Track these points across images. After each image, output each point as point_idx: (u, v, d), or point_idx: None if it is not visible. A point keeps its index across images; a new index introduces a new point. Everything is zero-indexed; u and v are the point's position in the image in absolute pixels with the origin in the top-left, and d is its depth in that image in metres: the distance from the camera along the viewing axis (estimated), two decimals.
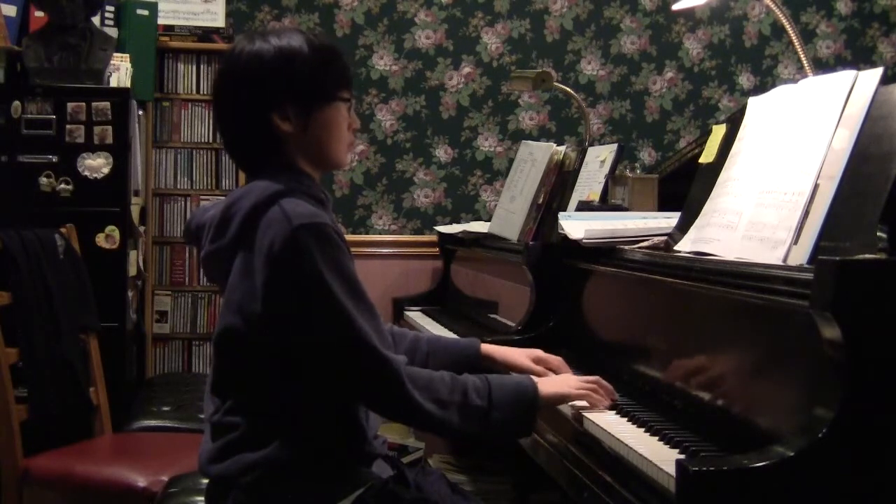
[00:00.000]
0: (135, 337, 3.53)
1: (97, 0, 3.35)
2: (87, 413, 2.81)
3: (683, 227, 1.92)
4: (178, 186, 3.83)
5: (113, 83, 3.34)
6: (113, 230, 3.21)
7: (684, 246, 1.85)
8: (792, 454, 1.20)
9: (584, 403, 1.72)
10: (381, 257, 4.05)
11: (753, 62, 4.36)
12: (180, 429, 2.85)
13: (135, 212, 3.42)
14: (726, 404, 1.56)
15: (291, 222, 1.50)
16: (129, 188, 3.31)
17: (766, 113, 1.79)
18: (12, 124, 3.16)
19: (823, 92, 1.61)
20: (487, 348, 1.90)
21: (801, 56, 2.57)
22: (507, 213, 3.01)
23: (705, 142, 2.02)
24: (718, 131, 1.97)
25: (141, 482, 2.35)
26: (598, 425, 1.61)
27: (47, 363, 2.68)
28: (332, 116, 1.64)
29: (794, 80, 1.75)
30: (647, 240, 2.00)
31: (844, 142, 1.49)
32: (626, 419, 1.64)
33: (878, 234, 1.40)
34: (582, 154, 2.86)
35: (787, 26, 2.59)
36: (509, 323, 2.68)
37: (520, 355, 1.89)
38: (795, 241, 1.49)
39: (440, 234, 3.76)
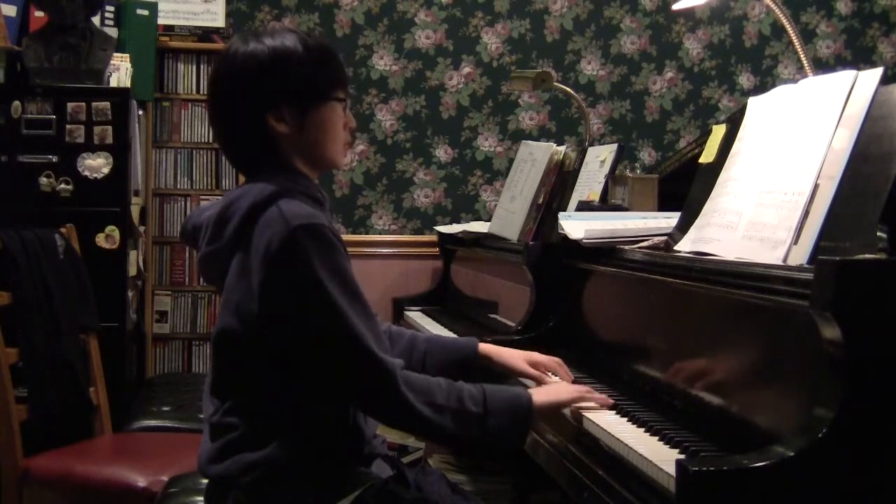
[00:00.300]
0: (135, 337, 3.53)
1: (97, 0, 3.35)
2: (87, 413, 2.81)
3: (683, 227, 1.92)
4: (178, 186, 3.83)
5: (113, 83, 3.34)
6: (113, 230, 3.21)
7: (684, 246, 1.85)
8: (792, 454, 1.20)
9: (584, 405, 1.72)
10: (381, 257, 4.05)
11: (753, 62, 4.36)
12: (180, 429, 2.85)
13: (135, 212, 3.42)
14: (726, 404, 1.56)
15: (289, 223, 1.50)
16: (129, 188, 3.31)
17: (766, 113, 1.79)
18: (12, 124, 3.16)
19: (823, 92, 1.61)
20: (485, 348, 1.90)
21: (801, 56, 2.57)
22: (507, 213, 3.01)
23: (705, 142, 2.02)
24: (718, 131, 1.97)
25: (141, 482, 2.35)
26: (598, 425, 1.61)
27: (47, 363, 2.68)
28: (328, 116, 1.64)
29: (794, 80, 1.75)
30: (647, 240, 2.00)
31: (844, 142, 1.49)
32: (626, 419, 1.64)
33: (878, 234, 1.40)
34: (582, 154, 2.86)
35: (787, 26, 2.59)
36: (509, 323, 2.68)
37: (516, 358, 1.88)
38: (795, 241, 1.49)
39: (440, 234, 3.76)
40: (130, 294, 3.36)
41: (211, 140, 3.84)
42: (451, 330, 3.01)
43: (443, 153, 4.15)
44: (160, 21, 3.72)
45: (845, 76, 1.57)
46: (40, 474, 2.48)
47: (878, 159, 1.42)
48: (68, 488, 2.47)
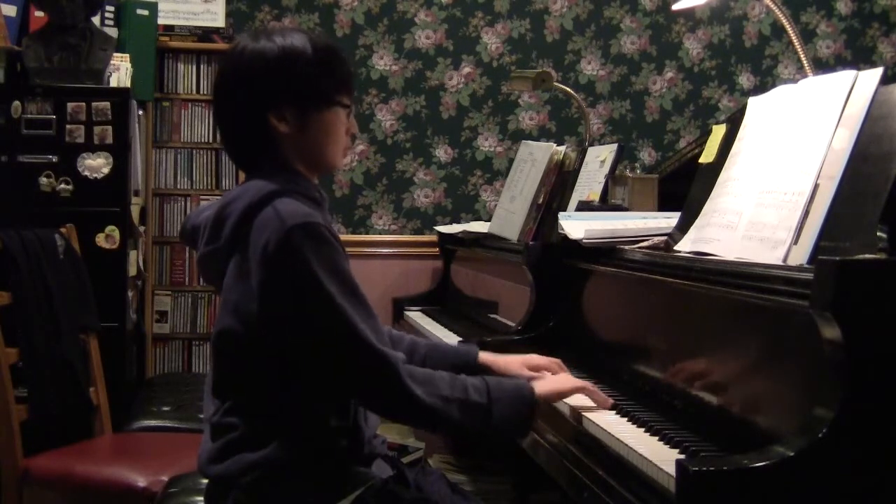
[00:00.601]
0: (135, 337, 3.53)
1: (97, 0, 3.35)
2: (87, 413, 2.81)
3: (683, 227, 1.92)
4: (178, 186, 3.83)
5: (113, 83, 3.34)
6: (113, 230, 3.20)
7: (684, 246, 1.85)
8: (792, 454, 1.20)
9: (582, 402, 1.72)
10: (381, 257, 4.05)
11: (753, 62, 4.36)
12: (180, 429, 2.85)
13: (135, 212, 3.42)
14: (726, 404, 1.56)
15: (285, 223, 1.50)
16: (129, 188, 3.31)
17: (766, 113, 1.79)
18: (12, 124, 3.16)
19: (823, 92, 1.61)
20: (484, 357, 1.89)
21: (801, 56, 2.57)
22: (507, 213, 3.01)
23: (705, 142, 2.02)
24: (718, 131, 1.97)
25: (141, 482, 2.35)
26: (598, 425, 1.61)
27: (47, 363, 2.68)
28: (330, 121, 1.64)
29: (794, 80, 1.75)
30: (647, 240, 2.00)
31: (844, 142, 1.49)
32: (626, 419, 1.64)
33: (878, 234, 1.40)
34: (582, 154, 2.86)
35: (787, 26, 2.59)
36: (509, 323, 2.68)
37: (515, 363, 1.88)
38: (795, 241, 1.49)
39: (440, 234, 3.76)
40: (130, 294, 3.36)
41: (211, 140, 3.84)
42: (451, 330, 3.01)
43: (443, 153, 4.15)
44: (160, 21, 3.72)
45: (845, 76, 1.57)
46: (40, 474, 2.48)
47: (878, 159, 1.42)
48: (68, 488, 2.47)
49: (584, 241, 2.12)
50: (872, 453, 1.23)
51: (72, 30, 3.23)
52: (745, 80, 4.35)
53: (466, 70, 4.15)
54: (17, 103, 3.16)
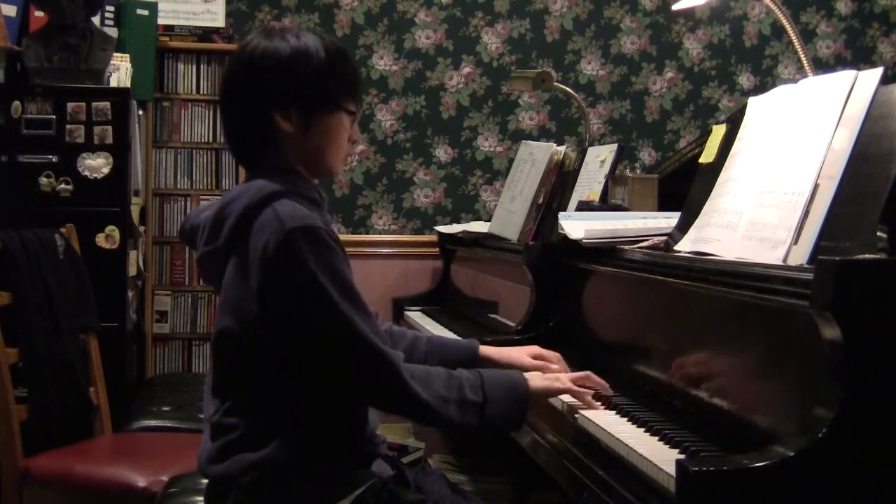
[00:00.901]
0: (135, 337, 3.53)
1: (97, 0, 3.35)
2: (87, 413, 2.80)
3: (683, 227, 1.92)
4: (178, 186, 3.83)
5: (113, 83, 3.34)
6: (113, 230, 3.20)
7: (684, 246, 1.85)
8: (792, 454, 1.20)
9: (576, 400, 1.73)
10: (381, 257, 4.05)
11: (753, 62, 4.36)
12: (180, 429, 2.84)
13: (135, 212, 3.42)
14: (726, 404, 1.56)
15: (284, 225, 1.50)
16: (129, 188, 3.31)
17: (766, 113, 1.79)
18: (12, 124, 3.16)
19: (823, 92, 1.61)
20: (486, 350, 1.91)
21: (801, 56, 2.57)
22: (507, 213, 3.01)
23: (705, 142, 2.02)
24: (718, 131, 1.97)
25: (141, 482, 2.35)
26: (598, 425, 1.61)
27: (47, 363, 2.68)
28: (334, 125, 1.64)
29: (794, 80, 1.75)
30: (647, 240, 2.00)
31: (844, 142, 1.49)
32: (626, 419, 1.64)
33: (878, 234, 1.40)
34: (582, 154, 2.86)
35: (787, 26, 2.59)
36: (509, 323, 2.68)
37: (518, 353, 1.90)
38: (795, 241, 1.49)
39: (440, 234, 3.76)
40: (130, 294, 3.36)
41: (211, 140, 3.84)
42: (451, 330, 3.01)
43: (443, 153, 4.15)
44: (160, 21, 3.72)
45: (845, 76, 1.57)
46: (40, 474, 2.48)
47: (878, 159, 1.42)
48: (68, 488, 2.47)
49: (584, 241, 2.12)
50: (872, 453, 1.23)
51: (72, 30, 3.23)
52: (745, 80, 4.35)
53: (466, 70, 4.15)
54: (17, 103, 3.16)
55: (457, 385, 1.58)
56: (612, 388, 1.85)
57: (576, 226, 2.20)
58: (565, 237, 2.22)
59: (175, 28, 3.81)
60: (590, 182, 2.71)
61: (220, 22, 3.84)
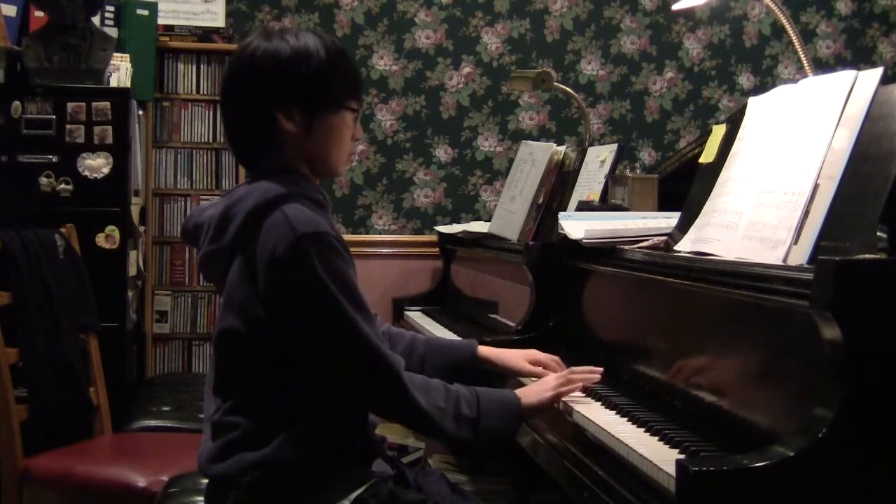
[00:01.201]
0: (135, 337, 3.53)
1: (97, 0, 3.35)
2: (87, 413, 2.80)
3: (683, 227, 1.92)
4: (178, 186, 3.83)
5: (113, 83, 3.34)
6: (113, 230, 3.20)
7: (684, 246, 1.85)
8: (792, 454, 1.20)
9: (579, 401, 1.74)
10: (381, 257, 4.05)
11: (753, 62, 4.36)
12: (180, 429, 2.84)
13: (135, 212, 3.42)
14: (726, 404, 1.56)
15: (295, 230, 1.51)
16: (129, 188, 3.31)
17: (766, 113, 1.79)
18: (12, 124, 3.16)
19: (823, 92, 1.61)
20: (484, 350, 1.91)
21: (801, 56, 2.57)
22: (507, 213, 3.01)
23: (705, 142, 2.02)
24: (718, 131, 1.97)
25: (141, 482, 2.35)
26: (598, 425, 1.61)
27: (47, 363, 2.68)
28: (337, 124, 1.65)
29: (794, 80, 1.75)
30: (647, 240, 2.00)
31: (844, 142, 1.49)
32: (626, 419, 1.64)
33: (878, 234, 1.40)
34: (582, 154, 2.86)
35: (787, 26, 2.59)
36: (509, 323, 2.68)
37: (516, 357, 1.90)
38: (795, 241, 1.49)
39: (440, 234, 3.76)
40: (130, 294, 3.36)
41: (211, 140, 3.84)
42: (451, 330, 3.01)
43: (443, 153, 4.15)
44: (160, 21, 3.72)
45: (845, 76, 1.57)
46: (40, 474, 2.48)
47: (878, 159, 1.42)
48: (68, 488, 2.47)
49: (584, 241, 2.12)
50: (872, 453, 1.23)
51: (72, 30, 3.23)
52: (745, 80, 4.35)
53: (466, 70, 4.15)
54: (17, 103, 3.16)
55: (454, 399, 1.61)
56: (613, 388, 1.85)
57: (576, 226, 2.20)
58: (565, 237, 2.22)
59: (175, 28, 3.81)
60: (590, 182, 2.71)
61: (220, 22, 3.84)
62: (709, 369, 1.64)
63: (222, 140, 3.80)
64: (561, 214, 2.35)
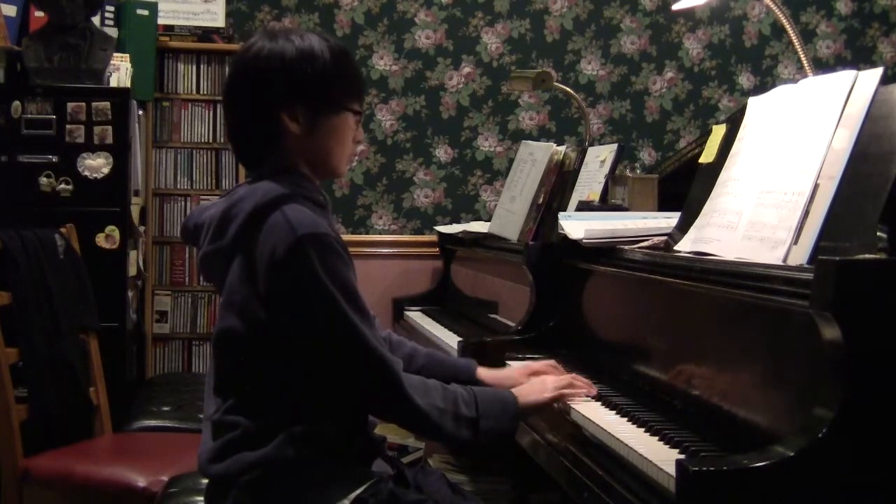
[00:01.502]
0: (135, 337, 3.53)
1: (97, 0, 3.35)
2: (87, 413, 2.80)
3: (683, 227, 1.92)
4: (178, 186, 3.83)
5: (113, 83, 3.34)
6: (113, 230, 3.20)
7: (684, 246, 1.85)
8: (792, 454, 1.20)
9: (579, 401, 1.74)
10: (381, 257, 4.05)
11: (753, 62, 4.36)
12: (180, 429, 2.84)
13: (135, 212, 3.42)
14: (726, 404, 1.56)
15: (295, 231, 1.51)
16: (129, 188, 3.31)
17: (766, 113, 1.79)
18: (12, 124, 3.16)
19: (823, 92, 1.61)
20: (483, 373, 1.89)
21: (801, 56, 2.57)
22: (507, 213, 3.01)
23: (705, 142, 2.02)
24: (718, 131, 1.97)
25: (141, 482, 2.35)
26: (598, 425, 1.61)
27: (47, 363, 2.68)
28: (339, 125, 1.65)
29: (794, 80, 1.75)
30: (647, 240, 2.00)
31: (844, 142, 1.49)
32: (626, 419, 1.64)
33: (878, 234, 1.40)
34: (582, 154, 2.86)
35: (787, 26, 2.59)
36: (509, 323, 2.68)
37: (514, 376, 1.88)
38: (795, 241, 1.49)
39: (440, 234, 3.76)
40: (130, 294, 3.36)
41: (211, 140, 3.84)
42: (451, 330, 3.01)
43: (443, 153, 4.15)
44: (160, 21, 3.72)
45: (845, 76, 1.57)
46: (40, 474, 2.47)
47: (878, 159, 1.42)
48: (68, 488, 2.47)
49: (584, 241, 2.12)
50: (872, 453, 1.23)
51: (72, 30, 3.23)
52: (745, 80, 4.35)
53: (466, 70, 4.15)
54: (17, 103, 3.16)
55: (452, 399, 1.61)
56: (612, 388, 1.85)
57: (576, 226, 2.20)
58: (565, 237, 2.22)
59: (175, 28, 3.81)
60: (590, 182, 2.71)
61: (220, 22, 3.84)
62: (709, 369, 1.64)
63: (222, 140, 3.81)
64: (561, 214, 2.35)
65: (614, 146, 2.69)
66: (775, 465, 1.20)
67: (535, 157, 2.99)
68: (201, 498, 1.72)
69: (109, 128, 3.21)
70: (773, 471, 1.20)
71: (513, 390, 1.71)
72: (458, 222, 4.00)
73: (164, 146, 3.82)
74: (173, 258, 3.82)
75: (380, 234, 4.11)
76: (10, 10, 3.39)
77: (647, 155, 4.27)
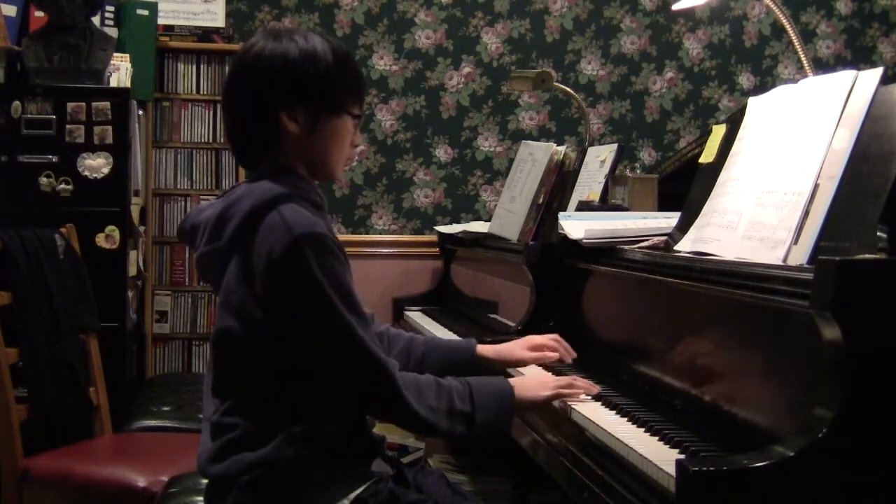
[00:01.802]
0: (135, 337, 3.53)
1: (97, 0, 3.35)
2: (87, 413, 2.80)
3: (683, 227, 1.92)
4: (178, 186, 3.83)
5: (113, 83, 3.34)
6: (113, 230, 3.20)
7: (684, 246, 1.85)
8: (792, 454, 1.20)
9: (579, 402, 1.74)
10: (381, 257, 4.05)
11: (753, 62, 4.36)
12: (180, 429, 2.84)
13: (135, 212, 3.42)
14: (726, 404, 1.56)
15: (292, 231, 1.51)
16: (129, 188, 3.31)
17: (766, 113, 1.79)
18: (12, 124, 3.16)
19: (823, 92, 1.61)
20: (483, 349, 1.92)
21: (801, 56, 2.57)
22: (507, 213, 3.01)
23: (705, 142, 2.02)
24: (718, 131, 1.97)
25: (141, 482, 2.35)
26: (598, 425, 1.61)
27: (47, 363, 2.68)
28: (339, 128, 1.65)
29: (794, 80, 1.75)
30: (647, 240, 2.00)
31: (844, 142, 1.49)
32: (626, 419, 1.64)
33: (878, 234, 1.40)
34: (582, 154, 2.86)
35: (787, 26, 2.59)
36: (509, 323, 2.68)
37: (515, 349, 1.92)
38: (795, 241, 1.49)
39: (440, 234, 3.76)
40: (130, 294, 3.36)
41: (211, 140, 3.84)
42: (451, 330, 3.01)
43: (443, 153, 4.15)
44: (160, 21, 3.72)
45: (845, 76, 1.57)
46: (40, 474, 2.48)
47: (878, 159, 1.42)
48: (68, 488, 2.47)
49: (584, 241, 2.12)
50: (872, 453, 1.23)
51: (72, 30, 3.23)
52: (745, 80, 4.35)
53: (466, 70, 4.15)
54: (17, 103, 3.16)
55: (446, 395, 1.61)
56: (613, 388, 1.85)
57: (576, 226, 2.20)
58: (565, 237, 2.22)
59: (175, 28, 3.81)
60: (590, 182, 2.71)
61: (220, 22, 3.84)
62: (709, 369, 1.64)
63: (222, 140, 3.81)
64: (561, 214, 2.35)
65: (614, 146, 2.69)
66: (775, 465, 1.20)
67: (535, 157, 2.99)
68: (201, 498, 1.72)
69: (109, 128, 3.21)
70: (773, 471, 1.20)
71: (512, 382, 1.71)
72: (458, 222, 4.00)
73: (164, 146, 3.82)
74: (173, 258, 3.82)
75: (380, 234, 4.11)
76: (10, 10, 3.39)
77: (647, 155, 4.27)
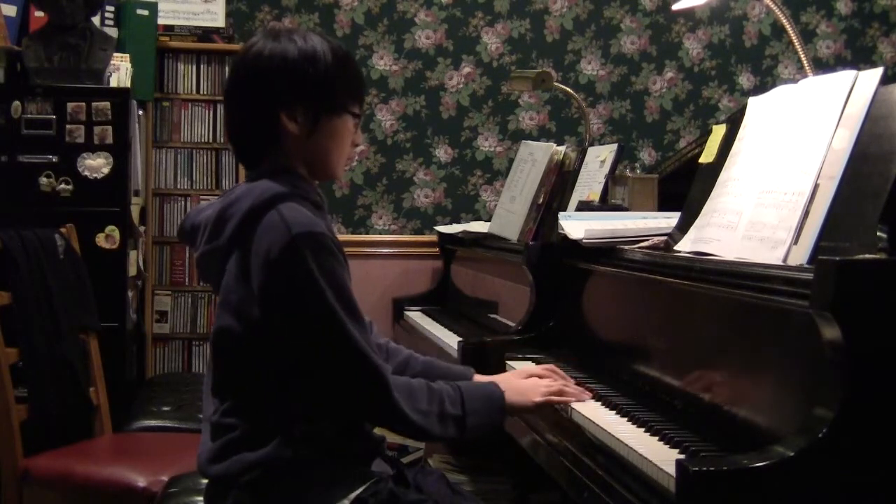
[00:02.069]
0: (135, 337, 3.53)
1: (97, 0, 3.35)
2: (87, 413, 2.80)
3: (683, 227, 1.92)
4: (178, 186, 3.83)
5: (113, 83, 3.34)
6: (113, 230, 3.20)
7: (684, 246, 1.85)
8: (792, 454, 1.20)
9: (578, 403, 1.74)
10: (381, 257, 4.05)
11: (753, 62, 4.36)
12: (180, 429, 2.84)
13: (135, 212, 3.42)
14: (726, 404, 1.56)
15: (290, 230, 1.51)
16: (129, 188, 3.31)
17: (766, 113, 1.79)
18: (12, 124, 3.16)
19: (823, 92, 1.61)
20: (480, 379, 1.89)
21: (801, 56, 2.57)
22: (507, 213, 3.01)
23: (705, 142, 2.02)
24: (718, 131, 1.97)
25: (141, 482, 2.35)
26: (598, 425, 1.61)
27: (47, 363, 2.68)
28: (339, 127, 1.65)
29: (794, 80, 1.75)
30: (647, 240, 2.00)
31: (844, 142, 1.49)
32: (626, 419, 1.64)
33: (878, 234, 1.40)
34: (582, 154, 2.86)
35: (787, 26, 2.59)
36: (509, 323, 2.68)
37: (512, 379, 1.88)
38: (795, 241, 1.49)
39: (440, 234, 3.76)
40: (130, 294, 3.36)
41: (211, 140, 3.84)
42: (451, 330, 3.01)
43: (443, 153, 4.15)
44: (160, 21, 3.72)
45: (845, 76, 1.57)
46: (40, 474, 2.48)
47: (878, 159, 1.42)
48: (68, 488, 2.47)
49: (584, 241, 2.12)
50: (872, 453, 1.23)
51: (72, 30, 3.23)
52: (745, 80, 4.35)
53: (466, 70, 4.15)
54: (17, 103, 3.16)
55: (437, 399, 1.61)
56: (612, 388, 1.85)
57: (576, 226, 2.20)
58: (565, 237, 2.22)
59: (175, 28, 3.81)
60: (590, 182, 2.71)
61: (220, 22, 3.84)
62: (709, 369, 1.64)
63: (222, 140, 3.81)
64: (561, 214, 2.35)
65: (614, 146, 2.69)
66: (775, 465, 1.20)
67: (535, 157, 2.99)
68: (201, 498, 1.72)
69: (109, 128, 3.21)
70: (773, 471, 1.20)
71: (503, 386, 1.71)
72: (458, 222, 4.00)
73: (164, 146, 3.82)
74: (173, 258, 3.82)
75: (380, 234, 4.11)
76: (10, 10, 3.39)
77: (647, 155, 4.27)
